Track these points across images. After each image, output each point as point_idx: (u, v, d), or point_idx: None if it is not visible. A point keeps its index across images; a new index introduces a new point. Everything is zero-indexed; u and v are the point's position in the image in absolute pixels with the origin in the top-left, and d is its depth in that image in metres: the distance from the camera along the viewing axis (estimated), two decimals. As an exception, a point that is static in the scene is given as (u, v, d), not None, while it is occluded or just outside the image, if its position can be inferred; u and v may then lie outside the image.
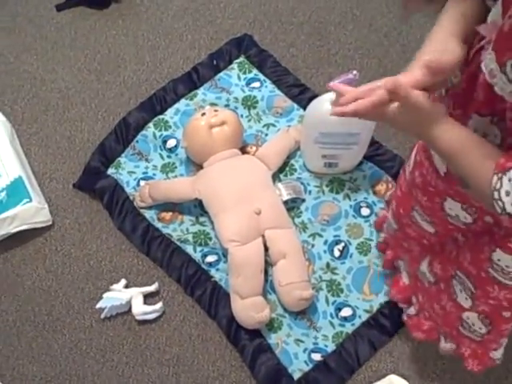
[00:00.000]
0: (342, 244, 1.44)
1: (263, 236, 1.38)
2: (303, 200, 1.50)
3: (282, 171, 1.53)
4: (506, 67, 0.70)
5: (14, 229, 1.46)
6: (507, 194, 0.71)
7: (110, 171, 1.55)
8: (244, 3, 1.77)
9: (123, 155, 1.57)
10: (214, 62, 1.68)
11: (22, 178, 1.49)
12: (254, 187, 1.42)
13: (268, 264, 1.39)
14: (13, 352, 1.37)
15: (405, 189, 1.09)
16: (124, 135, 1.59)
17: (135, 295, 1.38)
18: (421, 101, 0.77)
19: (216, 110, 1.49)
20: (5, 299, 1.43)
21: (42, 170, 1.58)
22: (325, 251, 1.43)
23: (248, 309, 1.32)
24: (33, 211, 1.46)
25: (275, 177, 1.50)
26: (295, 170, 1.53)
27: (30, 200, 1.47)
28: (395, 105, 0.78)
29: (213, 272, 1.43)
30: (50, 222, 1.51)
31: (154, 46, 1.73)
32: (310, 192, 1.50)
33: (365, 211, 1.48)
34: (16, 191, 1.47)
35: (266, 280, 1.38)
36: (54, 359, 1.36)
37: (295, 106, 1.61)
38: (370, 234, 1.45)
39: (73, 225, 1.51)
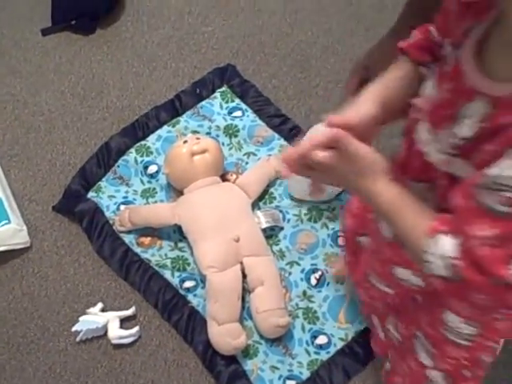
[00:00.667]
0: (319, 272, 1.46)
1: (241, 263, 1.40)
2: (281, 228, 1.51)
3: (261, 199, 1.55)
4: (437, 136, 0.75)
5: (-9, 250, 1.46)
6: (436, 257, 0.73)
7: (90, 195, 1.56)
8: (228, 34, 1.81)
9: (104, 179, 1.58)
10: (197, 91, 1.71)
11: (1, 199, 1.49)
12: (234, 215, 1.44)
13: (245, 291, 1.40)
14: (-15, 374, 1.36)
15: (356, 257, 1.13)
16: (105, 159, 1.60)
17: (112, 319, 1.38)
18: (363, 149, 0.77)
19: (198, 138, 1.51)
20: (-21, 320, 1.42)
21: (22, 191, 1.58)
22: (301, 279, 1.45)
23: (224, 335, 1.33)
24: (11, 233, 1.46)
25: (254, 204, 1.52)
26: (274, 198, 1.56)
27: (9, 222, 1.47)
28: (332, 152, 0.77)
29: (190, 297, 1.43)
30: (28, 244, 1.50)
31: (137, 72, 1.76)
32: (288, 220, 1.53)
33: (340, 242, 1.50)
34: (-5, 213, 1.47)
35: (242, 306, 1.39)
36: (28, 382, 1.35)
37: (276, 135, 1.64)
38: (347, 264, 1.47)
39: (51, 247, 1.50)
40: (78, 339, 1.38)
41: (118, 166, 1.60)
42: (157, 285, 1.44)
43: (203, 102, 1.69)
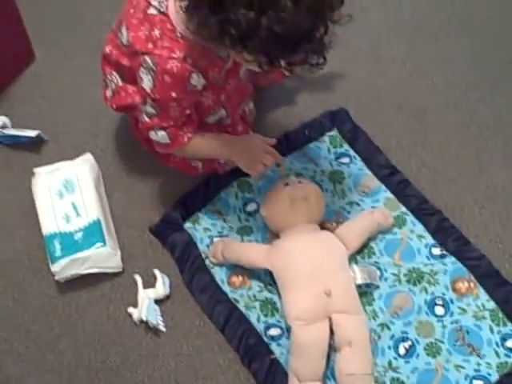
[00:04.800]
0: (409, 342, 1.36)
1: (330, 319, 1.33)
2: (377, 287, 1.43)
3: (359, 253, 1.48)
4: None
5: (84, 270, 1.47)
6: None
7: (187, 225, 1.54)
8: (344, 77, 1.76)
9: (203, 210, 1.56)
10: (306, 132, 1.66)
11: (100, 221, 1.50)
12: (328, 266, 1.38)
13: (331, 348, 1.33)
14: (62, 394, 1.36)
15: None
16: (207, 190, 1.58)
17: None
18: None
19: (300, 182, 1.47)
20: (63, 339, 1.43)
21: (121, 215, 1.59)
22: (389, 347, 1.36)
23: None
24: (105, 255, 1.47)
25: (351, 258, 1.45)
26: (374, 253, 1.48)
27: (104, 244, 1.47)
28: None
29: (274, 346, 1.38)
30: (121, 269, 1.51)
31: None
32: (385, 279, 1.44)
33: (439, 310, 1.40)
34: (92, 233, 1.47)
35: (327, 365, 1.32)
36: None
37: (383, 187, 1.57)
38: (442, 335, 1.37)
39: (142, 275, 1.49)
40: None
41: (219, 200, 1.57)
42: (241, 328, 1.40)
43: (311, 145, 1.64)
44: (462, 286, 1.42)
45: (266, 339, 1.39)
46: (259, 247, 1.46)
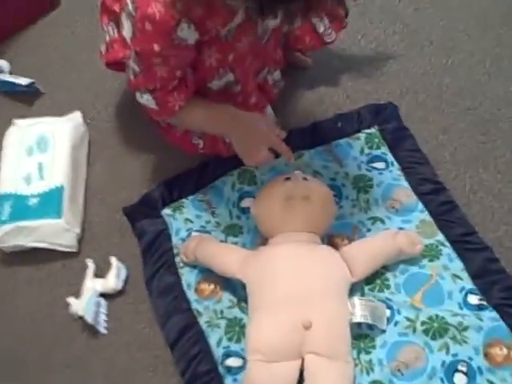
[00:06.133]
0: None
1: (303, 360, 0.98)
2: (383, 331, 1.07)
3: (369, 283, 1.12)
4: None
5: (31, 242, 1.22)
6: None
7: (166, 211, 1.25)
8: (403, 67, 1.41)
9: (190, 198, 1.26)
10: (339, 125, 1.32)
11: (62, 189, 1.24)
12: (316, 291, 1.03)
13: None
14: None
15: None
16: (200, 176, 1.28)
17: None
18: None
19: (305, 179, 1.13)
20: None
21: (98, 188, 1.33)
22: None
23: None
24: (58, 230, 1.21)
25: (356, 288, 1.10)
26: (388, 287, 1.12)
27: (59, 217, 1.21)
28: None
29: (229, 381, 1.05)
30: (75, 250, 1.24)
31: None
32: (396, 323, 1.07)
33: (460, 379, 1.02)
34: (49, 202, 1.23)
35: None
36: None
37: (420, 205, 1.20)
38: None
39: (99, 260, 1.21)
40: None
41: (212, 188, 1.27)
42: (195, 349, 1.08)
43: (341, 140, 1.30)
44: (500, 352, 1.03)
45: (221, 369, 1.06)
46: (237, 252, 1.13)
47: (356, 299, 1.06)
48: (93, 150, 1.38)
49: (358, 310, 1.05)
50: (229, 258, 1.11)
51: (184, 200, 1.26)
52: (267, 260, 1.07)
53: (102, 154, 1.38)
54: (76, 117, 1.37)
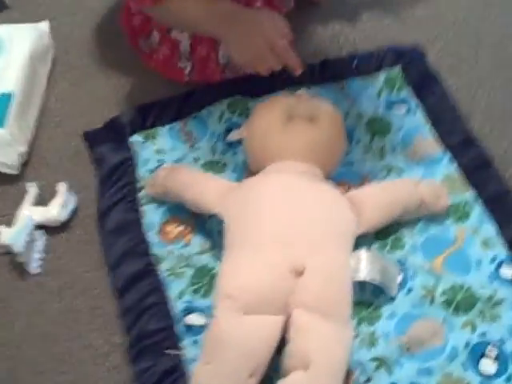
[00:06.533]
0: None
1: (288, 318, 0.74)
2: (392, 298, 0.83)
3: (379, 238, 0.88)
4: None
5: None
6: None
7: (134, 138, 1.02)
8: (437, 11, 1.20)
9: (168, 126, 1.03)
10: (355, 63, 1.10)
11: (12, 96, 1.01)
12: (314, 233, 0.79)
13: (273, 369, 0.74)
14: None
15: None
16: (184, 104, 1.05)
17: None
18: None
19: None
20: None
21: (57, 109, 1.09)
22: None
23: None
24: (-3, 142, 0.97)
25: (363, 241, 0.86)
26: (402, 246, 0.88)
27: (2, 126, 0.97)
28: None
29: (186, 343, 0.80)
30: (16, 171, 1.00)
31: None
32: (409, 290, 0.84)
33: (487, 366, 0.78)
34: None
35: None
36: None
37: (446, 158, 0.97)
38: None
39: (45, 188, 0.97)
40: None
41: (195, 118, 1.03)
42: (148, 300, 0.84)
43: (356, 79, 1.08)
44: (542, 337, 0.79)
45: (178, 328, 0.81)
46: (217, 182, 0.90)
47: (363, 252, 0.82)
48: (57, 69, 1.16)
49: (364, 266, 0.81)
50: (206, 187, 0.87)
51: (160, 128, 1.03)
52: (254, 191, 0.83)
53: (66, 74, 1.15)
54: (43, 27, 1.15)
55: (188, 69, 1.07)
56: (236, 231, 0.81)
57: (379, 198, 0.87)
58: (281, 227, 0.79)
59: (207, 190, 0.86)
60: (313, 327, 0.73)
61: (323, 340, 0.72)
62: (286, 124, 0.86)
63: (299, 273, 0.75)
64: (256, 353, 0.71)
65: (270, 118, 0.87)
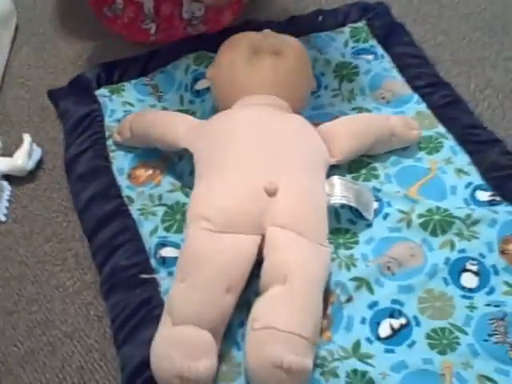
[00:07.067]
0: (402, 320, 0.72)
1: (263, 237, 0.72)
2: (369, 225, 0.82)
3: (352, 171, 0.87)
4: None
5: None
6: None
7: (101, 91, 1.00)
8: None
9: (133, 82, 1.02)
10: (320, 19, 1.11)
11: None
12: (287, 157, 0.78)
13: (251, 290, 0.72)
14: None
15: None
16: (149, 61, 1.04)
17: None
18: None
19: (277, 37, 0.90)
20: None
21: (20, 72, 1.08)
22: (363, 320, 0.73)
23: (174, 345, 0.64)
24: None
25: (337, 173, 0.84)
26: (377, 176, 0.87)
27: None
28: None
29: (162, 274, 0.78)
30: (-20, 126, 0.97)
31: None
32: (385, 216, 0.82)
33: (469, 280, 0.76)
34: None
35: (239, 322, 0.71)
36: None
37: (416, 97, 0.97)
38: (465, 322, 0.73)
39: (11, 142, 0.95)
40: None
41: (161, 72, 1.02)
42: (120, 238, 0.82)
43: (321, 33, 1.08)
44: (516, 249, 0.78)
45: (153, 263, 0.79)
46: (184, 119, 0.88)
47: (336, 178, 0.81)
48: (20, 37, 1.14)
49: (339, 189, 0.80)
50: (174, 123, 0.86)
51: (125, 83, 1.02)
52: (222, 122, 0.82)
53: (29, 40, 1.14)
54: (4, -7, 1.14)
55: (153, 29, 1.07)
56: (207, 160, 0.79)
57: (350, 127, 0.87)
58: (254, 151, 0.77)
59: (174, 125, 0.85)
60: (287, 242, 0.71)
61: (299, 253, 0.70)
62: (251, 58, 0.85)
63: (272, 193, 0.73)
64: (232, 269, 0.69)
65: (235, 53, 0.87)
